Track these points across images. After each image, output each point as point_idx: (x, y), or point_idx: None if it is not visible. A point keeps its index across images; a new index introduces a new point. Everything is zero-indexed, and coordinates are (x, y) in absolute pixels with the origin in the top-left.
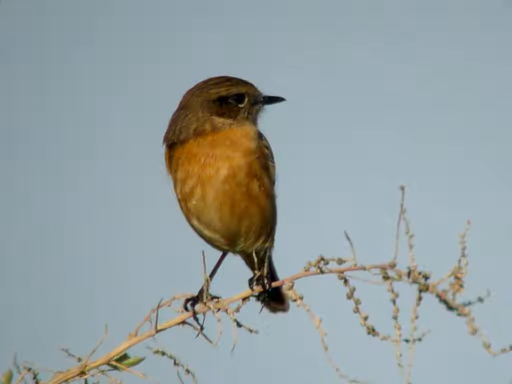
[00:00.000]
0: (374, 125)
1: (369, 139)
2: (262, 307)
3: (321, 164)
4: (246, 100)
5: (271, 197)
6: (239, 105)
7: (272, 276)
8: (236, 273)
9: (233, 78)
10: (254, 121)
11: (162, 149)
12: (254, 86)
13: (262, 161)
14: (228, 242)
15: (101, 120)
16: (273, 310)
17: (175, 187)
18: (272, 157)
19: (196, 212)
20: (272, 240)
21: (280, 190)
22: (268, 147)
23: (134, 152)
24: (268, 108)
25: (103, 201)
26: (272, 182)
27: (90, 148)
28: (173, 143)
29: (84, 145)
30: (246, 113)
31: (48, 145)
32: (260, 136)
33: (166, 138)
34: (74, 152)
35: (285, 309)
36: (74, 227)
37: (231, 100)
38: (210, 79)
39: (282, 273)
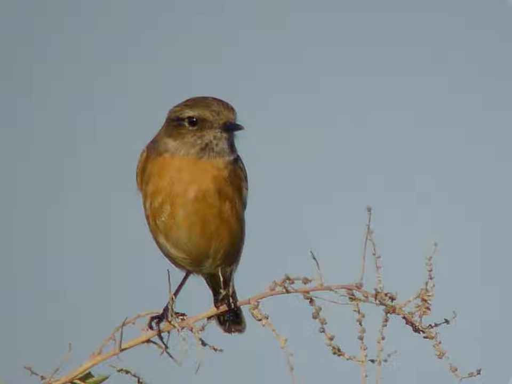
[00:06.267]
0: (374, 125)
1: (369, 139)
2: (228, 324)
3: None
4: (199, 124)
5: (241, 220)
6: (190, 128)
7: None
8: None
9: (203, 100)
10: (206, 147)
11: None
12: (215, 112)
13: (237, 183)
14: (194, 263)
15: (101, 120)
16: (230, 330)
17: (144, 202)
18: (246, 180)
19: (164, 229)
20: (238, 262)
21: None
22: (242, 169)
23: (134, 152)
24: (241, 132)
25: (103, 202)
26: (244, 205)
27: (90, 148)
28: (148, 155)
29: (84, 145)
30: (195, 137)
31: (48, 145)
32: (236, 161)
33: (145, 149)
34: (74, 152)
35: (241, 330)
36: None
37: (185, 122)
38: (190, 98)
39: (247, 293)
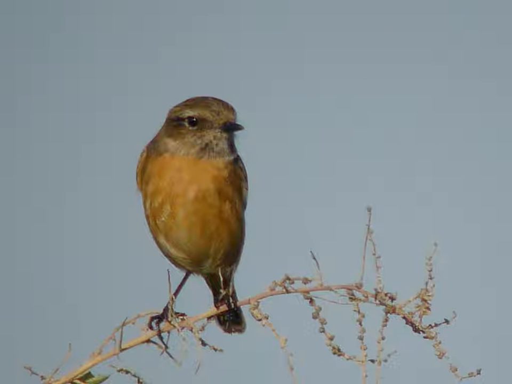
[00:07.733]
0: (374, 125)
1: (369, 139)
2: (228, 324)
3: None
4: (199, 124)
5: (241, 220)
6: (190, 128)
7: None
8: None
9: (203, 100)
10: (206, 147)
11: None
12: (215, 112)
13: (237, 183)
14: (194, 263)
15: (101, 120)
16: (230, 330)
17: (144, 202)
18: (246, 180)
19: (164, 229)
20: (238, 262)
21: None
22: (242, 169)
23: (134, 152)
24: (243, 131)
25: (103, 202)
26: (244, 205)
27: (90, 148)
28: (148, 155)
29: (84, 145)
30: (195, 137)
31: (48, 145)
32: (236, 161)
33: (145, 149)
34: (74, 152)
35: (241, 330)
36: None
37: (185, 122)
38: (190, 98)
39: (247, 293)
